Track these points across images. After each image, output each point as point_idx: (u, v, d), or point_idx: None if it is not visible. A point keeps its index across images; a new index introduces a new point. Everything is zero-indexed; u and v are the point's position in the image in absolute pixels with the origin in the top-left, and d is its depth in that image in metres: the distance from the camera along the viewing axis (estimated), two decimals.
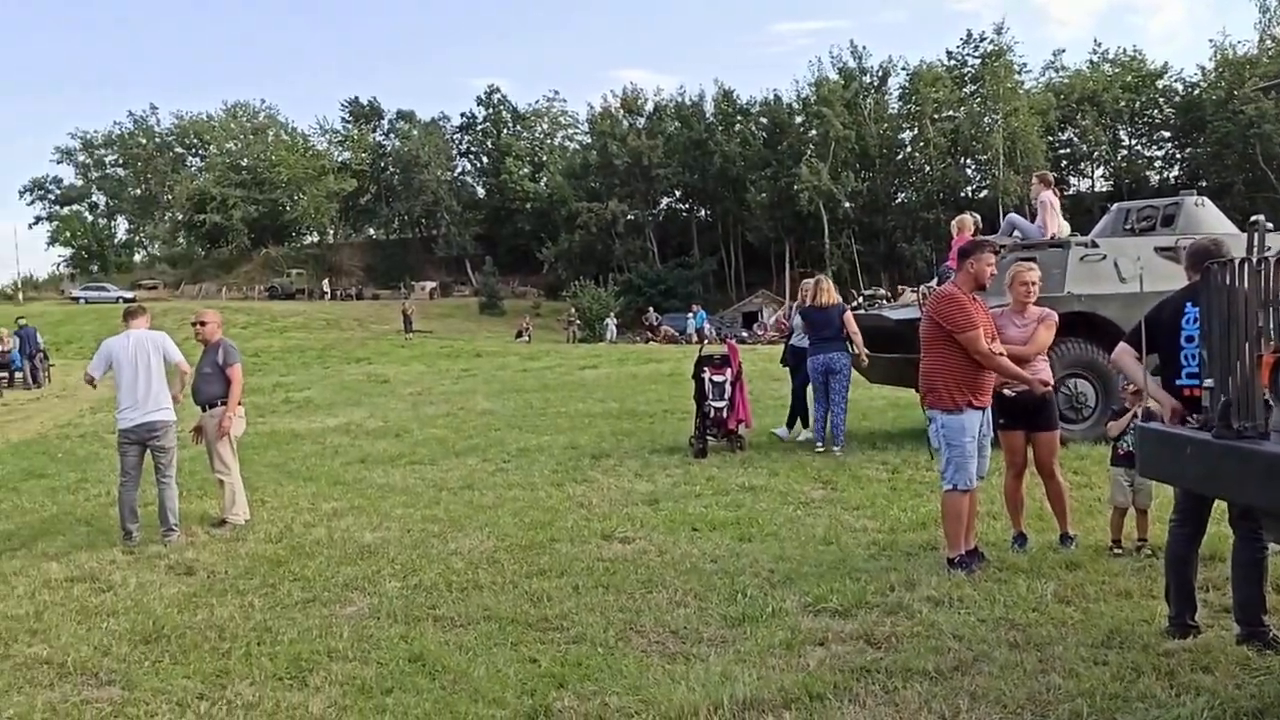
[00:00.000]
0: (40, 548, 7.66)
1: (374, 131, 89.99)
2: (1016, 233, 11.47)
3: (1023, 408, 6.34)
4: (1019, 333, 6.37)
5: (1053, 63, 75.39)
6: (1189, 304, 4.51)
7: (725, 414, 11.04)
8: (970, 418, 5.89)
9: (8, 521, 8.89)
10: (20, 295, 71.25)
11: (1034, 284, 6.51)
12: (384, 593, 5.95)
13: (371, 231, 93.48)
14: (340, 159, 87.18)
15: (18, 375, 25.39)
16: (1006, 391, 6.27)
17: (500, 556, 6.70)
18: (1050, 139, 70.10)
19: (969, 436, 5.88)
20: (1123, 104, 70.53)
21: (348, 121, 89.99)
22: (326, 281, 72.70)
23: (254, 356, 34.15)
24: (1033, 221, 11.50)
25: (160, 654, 5.03)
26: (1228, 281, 3.54)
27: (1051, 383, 6.45)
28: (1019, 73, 70.17)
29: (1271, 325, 3.41)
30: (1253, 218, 3.91)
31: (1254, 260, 3.49)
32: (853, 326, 10.85)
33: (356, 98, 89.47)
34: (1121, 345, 4.95)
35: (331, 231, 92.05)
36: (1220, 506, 4.75)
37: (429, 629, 5.23)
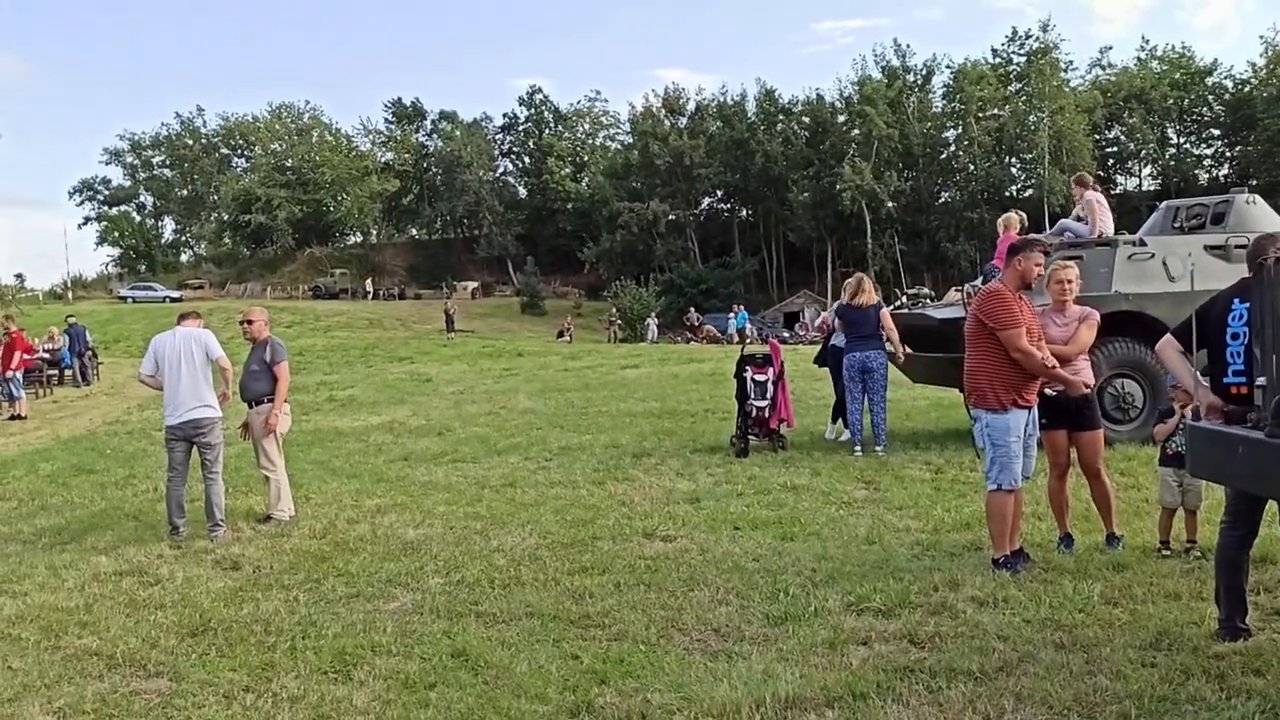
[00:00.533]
0: (90, 541, 7.80)
1: (417, 132, 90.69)
2: (1068, 233, 11.30)
3: (1064, 407, 6.29)
4: (1060, 332, 6.33)
5: (1099, 60, 74.92)
6: (1237, 300, 4.43)
7: (767, 413, 11.01)
8: (1015, 417, 5.82)
9: (58, 516, 9.05)
10: (70, 294, 72.71)
11: (1070, 282, 6.47)
12: (427, 589, 5.99)
13: (414, 232, 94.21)
14: (383, 160, 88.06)
15: (68, 373, 25.81)
16: (1048, 391, 6.20)
17: (542, 554, 6.72)
18: (1097, 137, 69.22)
19: (1014, 436, 5.82)
20: (1171, 101, 69.50)
21: (391, 122, 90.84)
22: (370, 281, 73.26)
23: (298, 355, 34.54)
24: (1079, 223, 11.31)
25: (207, 647, 5.09)
26: None
27: (1092, 383, 6.40)
28: (1065, 70, 69.48)
29: None
30: None
31: None
32: (889, 325, 10.78)
33: (399, 98, 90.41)
34: (1166, 338, 4.87)
35: (375, 232, 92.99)
36: (1273, 508, 4.66)
37: (471, 625, 5.26)
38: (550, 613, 5.37)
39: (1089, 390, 6.29)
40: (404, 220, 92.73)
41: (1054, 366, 5.92)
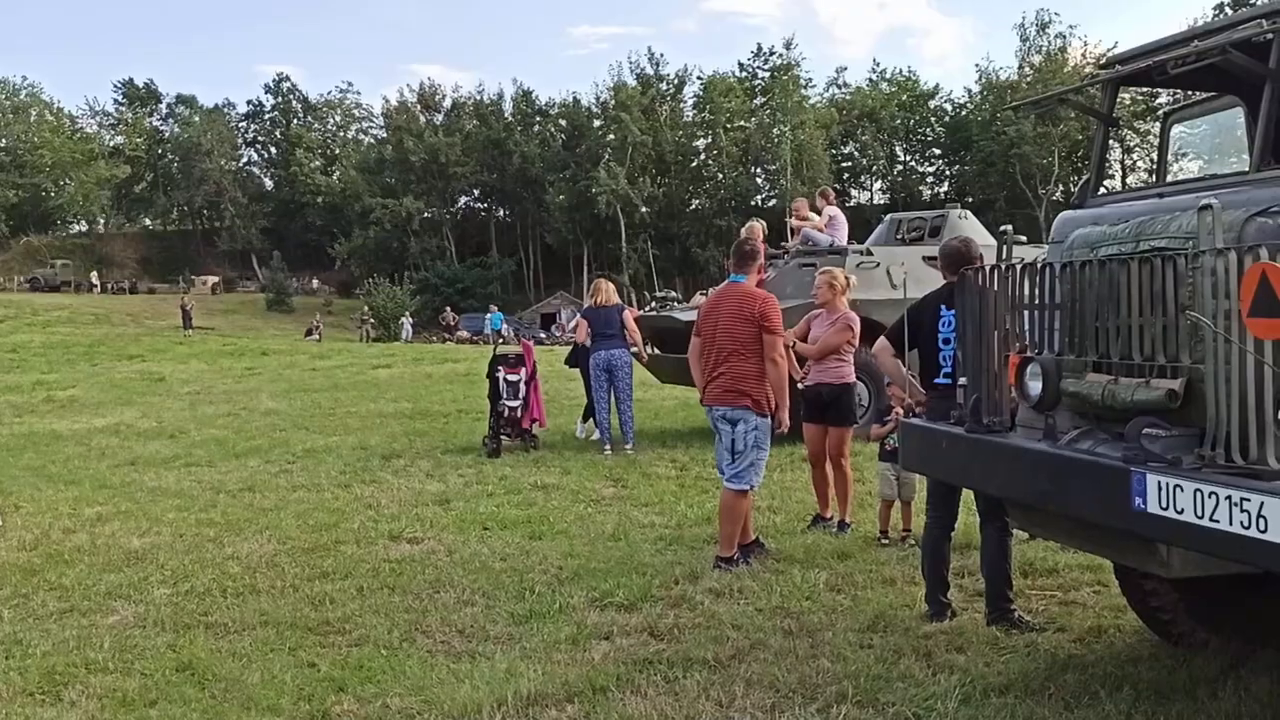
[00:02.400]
0: None
1: (150, 116, 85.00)
2: (810, 244, 12.00)
3: (822, 403, 6.87)
4: (817, 332, 6.89)
5: (836, 79, 79.38)
6: (943, 307, 4.84)
7: (519, 413, 11.05)
8: (771, 422, 6.10)
9: None
10: None
11: (820, 286, 7.11)
12: (151, 600, 5.62)
13: (148, 222, 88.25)
14: (112, 143, 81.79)
15: None
16: (800, 385, 6.67)
17: (281, 560, 6.45)
18: (834, 152, 73.49)
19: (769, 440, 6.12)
20: (899, 121, 74.89)
21: (121, 104, 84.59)
22: (96, 274, 67.92)
23: (11, 353, 31.76)
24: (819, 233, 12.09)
25: None
26: (980, 286, 3.82)
27: (849, 380, 6.99)
28: (805, 87, 73.49)
29: (1017, 328, 3.70)
30: (1002, 228, 4.24)
31: (1003, 267, 3.77)
32: (632, 326, 11.09)
33: (131, 79, 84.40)
34: (881, 341, 5.28)
35: (102, 221, 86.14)
36: (969, 497, 5.12)
37: (200, 636, 4.98)
38: (287, 620, 5.17)
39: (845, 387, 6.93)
40: (136, 209, 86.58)
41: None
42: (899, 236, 12.19)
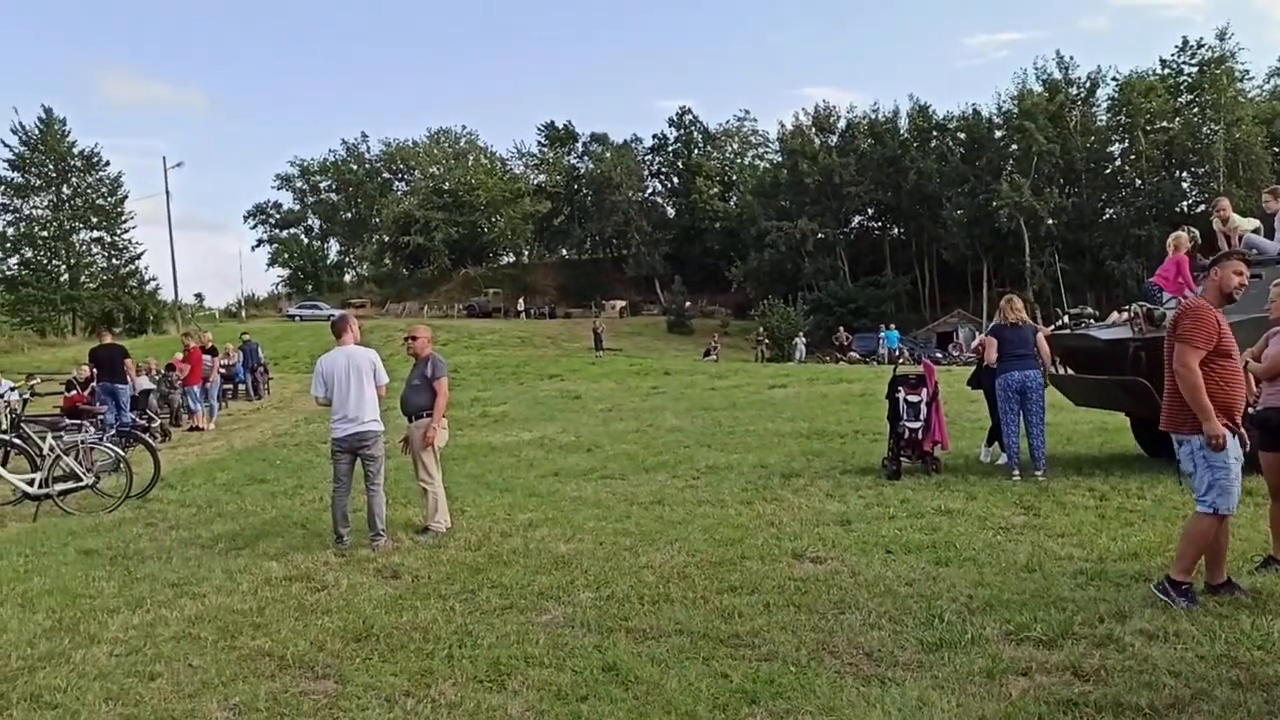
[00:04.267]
0: (261, 548, 8.21)
1: (568, 154, 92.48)
2: (1254, 251, 10.68)
3: (1275, 427, 6.07)
4: (1272, 350, 6.16)
5: (1278, 69, 70.36)
6: None
7: (920, 435, 10.78)
8: (1231, 439, 5.46)
9: (233, 523, 9.55)
10: (243, 312, 77.05)
11: (1276, 299, 6.43)
12: (578, 602, 6.08)
13: (564, 252, 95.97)
14: (536, 182, 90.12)
15: (241, 387, 27.26)
16: (1250, 410, 5.96)
17: (691, 571, 6.73)
18: (1277, 150, 65.29)
19: (1234, 457, 5.44)
20: None
21: (544, 145, 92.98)
22: (522, 300, 74.95)
23: (453, 372, 35.22)
24: (1271, 238, 10.69)
25: (370, 651, 5.29)
26: None
27: None
28: (1241, 80, 65.82)
29: None
30: None
31: None
32: (1043, 346, 10.42)
33: (552, 122, 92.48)
34: None
35: (526, 252, 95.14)
36: None
37: (621, 640, 5.31)
38: (699, 630, 5.38)
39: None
40: (555, 240, 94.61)
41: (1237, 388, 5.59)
42: None
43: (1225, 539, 5.70)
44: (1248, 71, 67.00)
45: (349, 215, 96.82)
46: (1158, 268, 10.93)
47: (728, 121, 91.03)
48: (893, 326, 50.93)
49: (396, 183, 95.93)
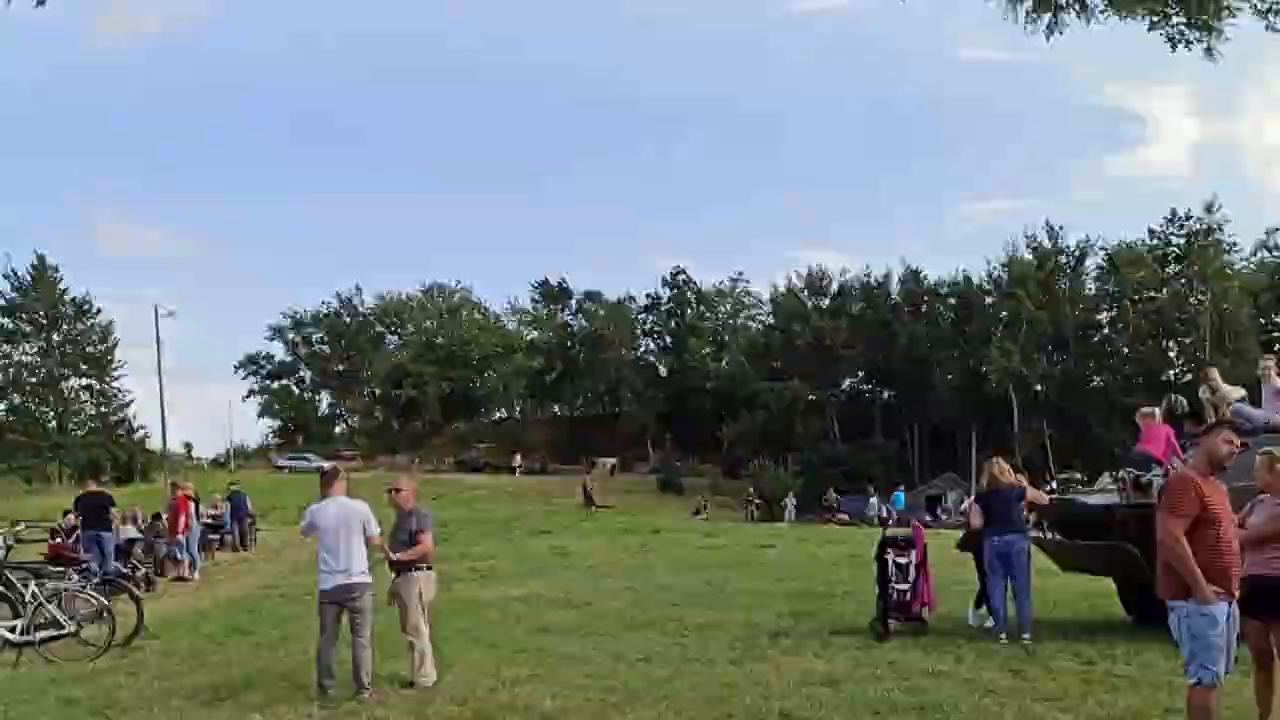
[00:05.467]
0: (245, 699, 8.14)
1: (562, 311, 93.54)
2: (1242, 419, 10.89)
3: (1265, 592, 6.04)
4: (1256, 520, 6.26)
5: (1265, 241, 70.97)
6: None
7: (909, 596, 10.80)
8: (1218, 609, 5.55)
9: (216, 673, 9.45)
10: (232, 463, 76.38)
11: (1260, 468, 6.51)
12: None
13: (556, 409, 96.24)
14: (529, 338, 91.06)
15: (227, 538, 27.02)
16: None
17: None
18: (1263, 321, 66.48)
19: (1217, 628, 5.53)
20: None
21: (538, 301, 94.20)
22: (518, 456, 73.93)
23: (443, 526, 35.20)
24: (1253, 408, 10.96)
25: None
26: None
27: None
28: (1229, 251, 67.45)
29: None
30: None
31: None
32: (1032, 497, 10.68)
33: (546, 279, 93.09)
34: None
35: (518, 407, 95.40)
36: None
37: None
38: None
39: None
40: (548, 396, 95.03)
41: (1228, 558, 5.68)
42: None
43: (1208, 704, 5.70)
44: (1235, 243, 68.42)
45: (340, 367, 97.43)
46: (1137, 436, 11.17)
47: (721, 282, 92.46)
48: (901, 487, 51.05)
49: (389, 335, 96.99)
